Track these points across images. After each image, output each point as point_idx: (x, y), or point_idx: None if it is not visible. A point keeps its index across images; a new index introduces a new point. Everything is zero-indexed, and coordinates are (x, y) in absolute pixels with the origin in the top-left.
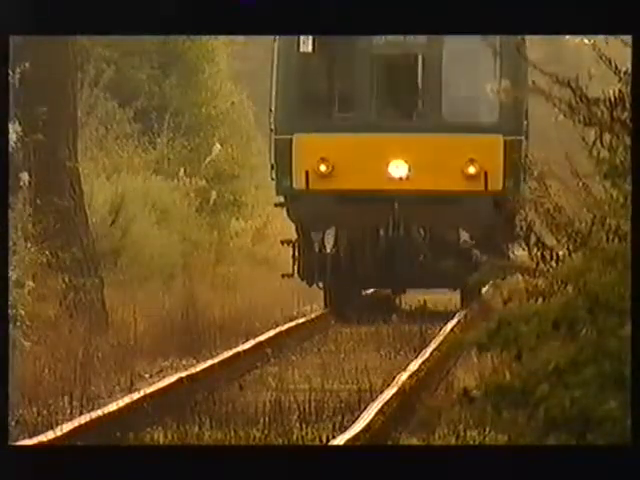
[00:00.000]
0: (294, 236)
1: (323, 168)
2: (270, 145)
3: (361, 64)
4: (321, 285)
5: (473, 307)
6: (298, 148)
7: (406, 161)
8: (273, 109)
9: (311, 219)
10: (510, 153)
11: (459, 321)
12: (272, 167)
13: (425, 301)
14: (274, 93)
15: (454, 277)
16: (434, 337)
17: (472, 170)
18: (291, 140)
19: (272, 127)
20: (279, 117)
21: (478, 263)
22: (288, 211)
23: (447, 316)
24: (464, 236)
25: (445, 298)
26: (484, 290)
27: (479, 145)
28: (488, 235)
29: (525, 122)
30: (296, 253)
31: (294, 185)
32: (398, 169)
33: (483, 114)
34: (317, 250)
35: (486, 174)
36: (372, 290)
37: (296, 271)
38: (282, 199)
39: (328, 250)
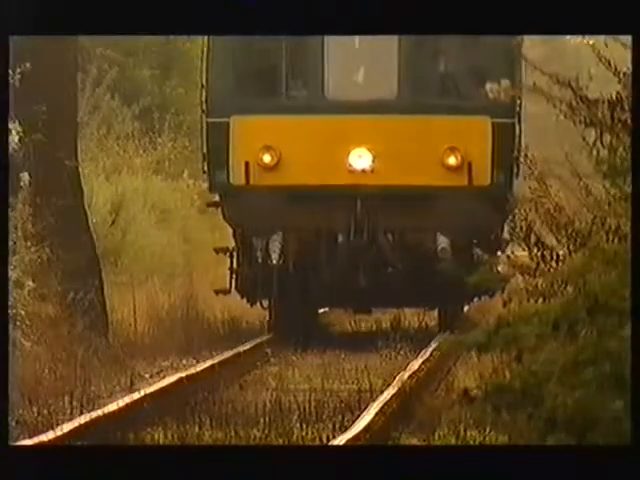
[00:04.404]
0: (231, 243)
1: (267, 159)
2: (201, 130)
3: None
4: (265, 304)
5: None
6: (236, 134)
7: (370, 149)
8: (205, 84)
9: (253, 222)
10: (500, 140)
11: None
12: (204, 157)
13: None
14: (205, 64)
15: (430, 294)
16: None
17: (453, 160)
18: (228, 124)
19: (204, 108)
20: (213, 95)
21: (477, 265)
22: (224, 212)
23: (420, 344)
24: (442, 242)
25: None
26: (467, 309)
27: (461, 129)
28: (472, 241)
29: (517, 102)
30: (234, 264)
31: (231, 180)
32: (361, 159)
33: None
34: (260, 260)
35: (470, 165)
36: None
37: (234, 286)
38: (217, 197)
39: (274, 260)
